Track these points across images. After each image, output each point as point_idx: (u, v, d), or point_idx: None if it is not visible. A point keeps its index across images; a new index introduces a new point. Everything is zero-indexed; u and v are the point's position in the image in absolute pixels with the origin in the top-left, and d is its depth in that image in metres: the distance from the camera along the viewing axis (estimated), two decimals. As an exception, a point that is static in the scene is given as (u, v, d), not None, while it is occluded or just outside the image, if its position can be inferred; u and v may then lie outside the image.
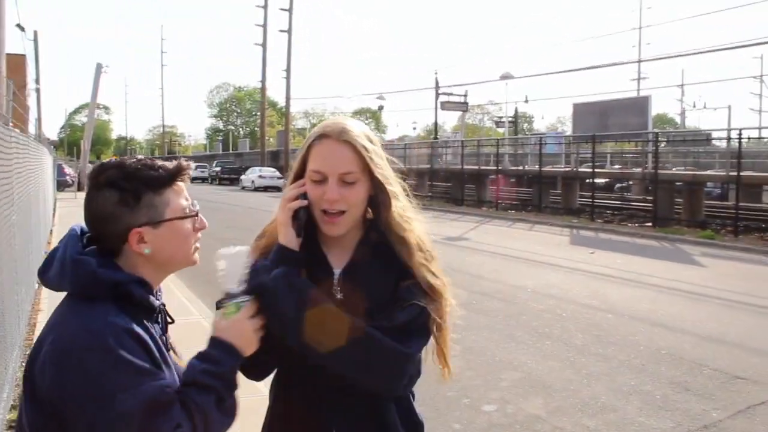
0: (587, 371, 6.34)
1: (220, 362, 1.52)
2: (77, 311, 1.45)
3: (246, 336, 1.57)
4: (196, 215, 1.60)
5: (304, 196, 1.70)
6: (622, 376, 6.21)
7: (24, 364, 5.95)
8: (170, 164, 1.56)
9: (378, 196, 1.72)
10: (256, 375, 1.77)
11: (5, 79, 7.46)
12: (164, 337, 1.60)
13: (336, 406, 1.72)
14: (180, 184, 1.57)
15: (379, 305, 1.70)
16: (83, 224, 1.58)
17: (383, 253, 1.74)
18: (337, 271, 1.75)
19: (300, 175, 1.73)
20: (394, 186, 1.75)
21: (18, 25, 26.20)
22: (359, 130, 1.71)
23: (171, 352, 1.61)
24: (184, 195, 1.57)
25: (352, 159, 1.67)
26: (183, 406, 1.43)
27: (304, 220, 1.70)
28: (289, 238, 1.68)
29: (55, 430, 1.39)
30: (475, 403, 5.51)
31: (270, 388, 1.84)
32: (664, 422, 5.18)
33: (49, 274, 1.51)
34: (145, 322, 1.51)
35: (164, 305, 1.63)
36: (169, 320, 1.67)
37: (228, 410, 1.52)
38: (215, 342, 1.55)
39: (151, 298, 1.55)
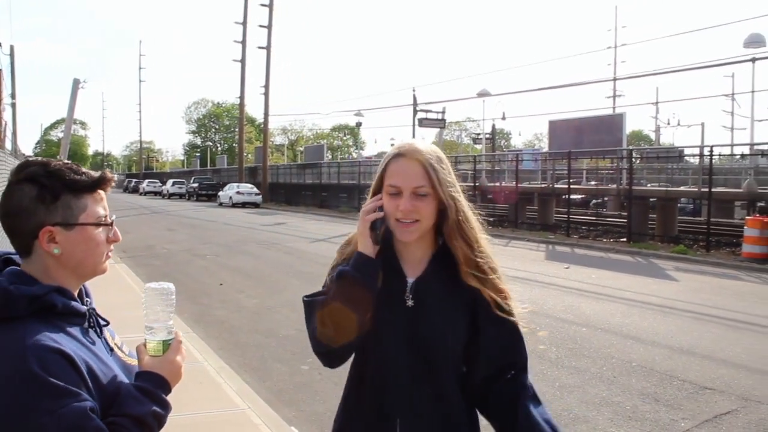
0: (560, 383, 6.45)
1: (156, 398, 1.51)
2: None
3: (176, 372, 1.59)
4: (111, 225, 1.60)
5: (380, 208, 1.89)
6: (594, 388, 6.33)
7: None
8: (94, 172, 1.58)
9: (443, 210, 1.90)
10: (337, 363, 1.96)
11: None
12: (102, 339, 1.60)
13: (402, 397, 1.88)
14: (101, 192, 1.59)
15: (447, 316, 1.90)
16: None
17: (454, 266, 1.92)
18: (410, 280, 1.93)
19: (378, 190, 1.93)
20: (460, 201, 1.92)
21: (-7, 40, 26.06)
22: (430, 151, 1.91)
23: (116, 351, 1.62)
24: (102, 204, 1.59)
25: (423, 175, 1.86)
26: None
27: (382, 230, 1.87)
28: (367, 246, 1.86)
29: None
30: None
31: (350, 369, 2.01)
32: (633, 432, 5.30)
33: None
34: (72, 331, 1.49)
35: (94, 309, 1.62)
36: (104, 322, 1.65)
37: None
38: (152, 377, 1.55)
39: (75, 304, 1.53)
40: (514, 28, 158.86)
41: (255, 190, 44.17)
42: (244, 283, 12.01)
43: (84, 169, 1.56)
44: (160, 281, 1.63)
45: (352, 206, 34.90)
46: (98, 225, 1.56)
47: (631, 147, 25.72)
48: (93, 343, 1.53)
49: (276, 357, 7.32)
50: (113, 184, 1.63)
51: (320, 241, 18.69)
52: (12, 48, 30.52)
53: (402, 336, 1.88)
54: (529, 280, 12.86)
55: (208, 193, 52.12)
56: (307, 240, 20.29)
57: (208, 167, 78.94)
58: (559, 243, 20.53)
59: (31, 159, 1.56)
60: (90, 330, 1.56)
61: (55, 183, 1.50)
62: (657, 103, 54.98)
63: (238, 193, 43.17)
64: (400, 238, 1.91)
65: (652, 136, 64.16)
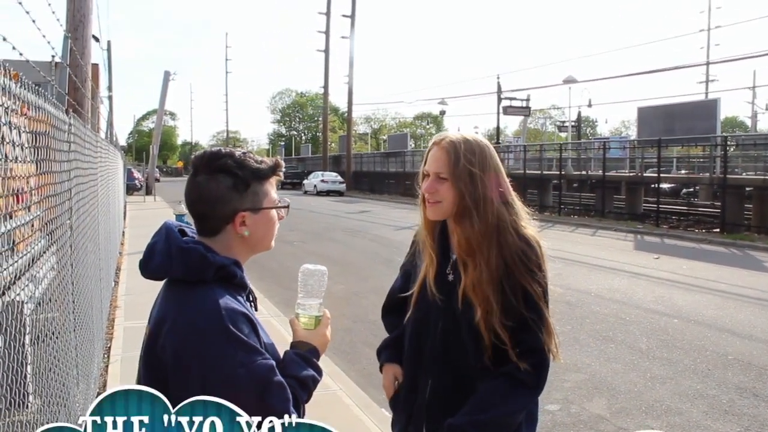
0: (651, 374, 6.34)
1: (314, 365, 1.70)
2: (189, 296, 1.57)
3: (325, 344, 1.79)
4: (287, 207, 1.78)
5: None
6: (687, 380, 6.19)
7: (105, 356, 6.29)
8: (269, 160, 1.74)
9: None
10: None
11: (91, 84, 7.89)
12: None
13: (434, 363, 2.18)
14: (274, 178, 1.75)
15: (479, 291, 2.07)
16: (172, 220, 1.75)
17: None
18: (453, 257, 2.17)
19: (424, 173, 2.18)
20: (473, 191, 2.08)
21: (93, 36, 27.18)
22: (459, 143, 2.12)
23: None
24: (275, 188, 1.76)
25: (446, 163, 2.11)
26: (293, 398, 1.56)
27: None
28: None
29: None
30: (539, 402, 5.57)
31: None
32: (730, 426, 5.17)
33: (152, 265, 1.63)
34: (241, 299, 1.65)
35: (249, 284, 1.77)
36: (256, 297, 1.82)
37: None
38: (308, 347, 1.74)
39: (245, 277, 1.71)
40: (602, 12, 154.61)
41: (339, 178, 44.76)
42: (331, 270, 12.04)
43: (259, 158, 1.73)
44: (315, 263, 1.83)
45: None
46: (278, 208, 1.75)
47: (725, 134, 24.61)
48: (253, 313, 1.69)
49: (365, 341, 7.47)
50: (284, 169, 1.81)
51: (405, 229, 18.79)
52: (109, 43, 31.73)
53: (441, 308, 2.13)
54: (617, 270, 12.62)
55: (292, 182, 52.99)
56: (392, 228, 20.46)
57: (293, 156, 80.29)
58: (647, 233, 20.00)
59: (215, 150, 1.71)
60: (248, 302, 1.72)
61: (246, 173, 1.67)
62: (754, 87, 52.65)
63: (322, 181, 43.88)
64: (427, 215, 2.18)
65: (749, 122, 61.43)
